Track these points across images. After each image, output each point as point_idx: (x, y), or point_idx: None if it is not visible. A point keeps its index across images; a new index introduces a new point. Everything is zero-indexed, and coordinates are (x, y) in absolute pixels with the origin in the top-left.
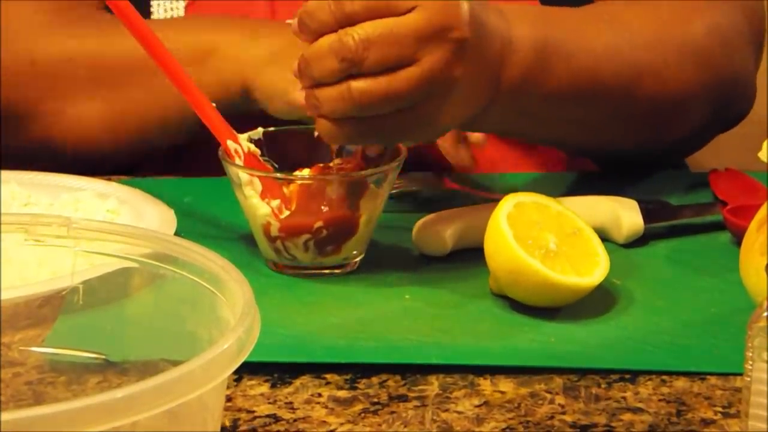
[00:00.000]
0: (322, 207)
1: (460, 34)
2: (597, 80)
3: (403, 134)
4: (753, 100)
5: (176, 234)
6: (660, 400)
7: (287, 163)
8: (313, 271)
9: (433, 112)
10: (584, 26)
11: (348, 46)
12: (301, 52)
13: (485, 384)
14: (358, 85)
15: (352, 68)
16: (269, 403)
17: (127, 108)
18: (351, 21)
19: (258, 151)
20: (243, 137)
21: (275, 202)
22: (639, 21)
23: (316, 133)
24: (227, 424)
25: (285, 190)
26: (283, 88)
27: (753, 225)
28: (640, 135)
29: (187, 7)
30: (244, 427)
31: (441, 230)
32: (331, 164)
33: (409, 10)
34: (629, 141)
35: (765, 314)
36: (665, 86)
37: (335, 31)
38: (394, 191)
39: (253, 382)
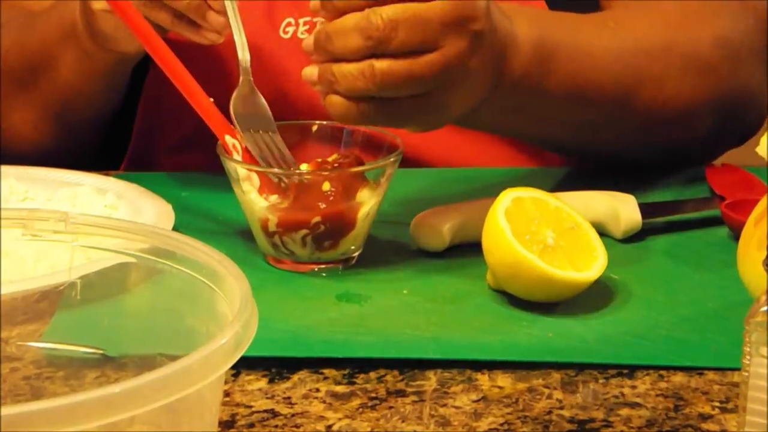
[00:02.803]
0: (320, 202)
1: (480, 26)
2: (595, 84)
3: (414, 119)
4: (765, 112)
5: (174, 229)
6: (658, 395)
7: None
8: (311, 266)
9: (445, 99)
10: (585, 29)
11: (376, 25)
12: None
13: (483, 379)
14: (381, 65)
15: (378, 48)
16: (267, 398)
17: (47, 99)
18: (379, 2)
19: None
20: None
21: (273, 197)
22: (644, 29)
23: (314, 128)
24: (225, 418)
25: (283, 185)
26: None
27: (750, 220)
28: (637, 142)
29: None
30: (242, 422)
31: (439, 225)
32: (329, 159)
33: None
34: (625, 147)
35: (762, 309)
36: (664, 95)
37: (361, 9)
38: None
39: (251, 377)
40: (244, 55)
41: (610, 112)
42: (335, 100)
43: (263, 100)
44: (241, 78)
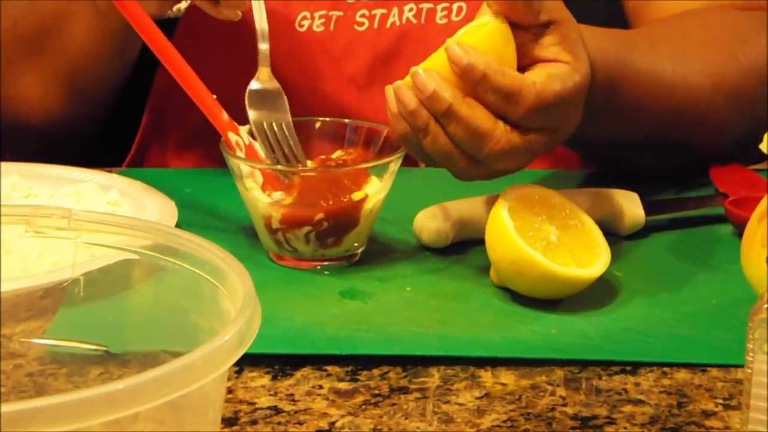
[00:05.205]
0: (323, 199)
1: (584, 96)
2: (647, 110)
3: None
4: None
5: (177, 226)
6: (661, 392)
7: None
8: (314, 263)
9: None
10: (648, 56)
11: (526, 97)
12: None
13: (486, 376)
14: (513, 137)
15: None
16: (270, 394)
17: (58, 63)
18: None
19: None
20: (244, 129)
21: (277, 194)
22: (698, 61)
23: (317, 125)
24: (228, 415)
25: (286, 181)
26: None
27: (754, 217)
28: (665, 155)
29: (188, 9)
30: (245, 419)
31: (442, 222)
32: (332, 156)
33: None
34: (655, 161)
35: (766, 306)
36: (703, 125)
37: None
38: None
39: (254, 373)
40: (264, 43)
41: (655, 135)
42: (441, 140)
43: (281, 91)
44: (259, 67)
